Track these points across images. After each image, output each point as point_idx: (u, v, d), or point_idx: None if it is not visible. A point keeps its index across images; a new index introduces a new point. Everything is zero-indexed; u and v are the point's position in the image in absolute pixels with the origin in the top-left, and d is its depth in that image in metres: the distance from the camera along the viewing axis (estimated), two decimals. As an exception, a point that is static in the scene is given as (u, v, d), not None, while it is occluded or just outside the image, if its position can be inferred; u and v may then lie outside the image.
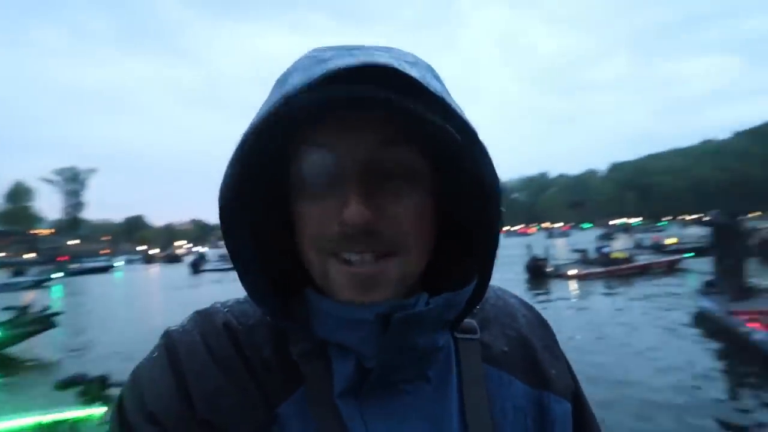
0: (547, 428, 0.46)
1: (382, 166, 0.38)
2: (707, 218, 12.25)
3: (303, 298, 0.43)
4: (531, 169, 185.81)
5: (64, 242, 75.74)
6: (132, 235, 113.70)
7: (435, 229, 0.42)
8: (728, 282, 7.31)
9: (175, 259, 54.12)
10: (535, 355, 0.50)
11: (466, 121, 0.37)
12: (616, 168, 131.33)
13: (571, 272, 14.61)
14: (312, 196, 0.39)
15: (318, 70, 0.34)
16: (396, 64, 0.34)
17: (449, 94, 0.39)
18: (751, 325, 5.72)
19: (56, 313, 9.37)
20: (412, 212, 0.39)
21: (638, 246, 23.11)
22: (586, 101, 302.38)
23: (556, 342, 0.54)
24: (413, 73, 0.35)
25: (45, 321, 9.11)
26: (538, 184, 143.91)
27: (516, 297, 0.57)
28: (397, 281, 0.39)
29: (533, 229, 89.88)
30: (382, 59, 0.34)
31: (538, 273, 15.04)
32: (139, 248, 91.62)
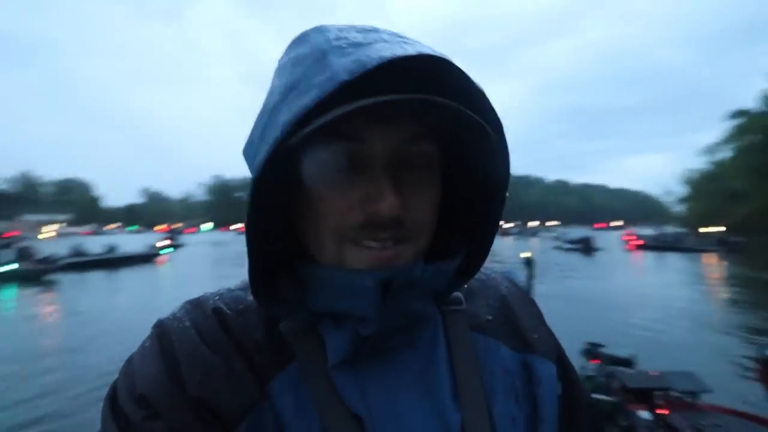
0: (534, 388, 0.48)
1: (409, 159, 0.39)
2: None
3: (292, 275, 0.43)
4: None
5: None
6: None
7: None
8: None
9: None
10: (517, 322, 0.52)
11: (497, 116, 0.39)
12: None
13: None
14: (334, 184, 0.39)
15: (366, 56, 0.34)
16: (444, 56, 0.35)
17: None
18: None
19: None
20: (429, 202, 0.41)
21: None
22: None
23: (537, 310, 0.56)
24: (459, 66, 0.35)
25: None
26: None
27: (498, 272, 0.59)
28: (411, 260, 0.40)
29: None
30: (427, 50, 0.35)
31: None
32: None
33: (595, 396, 3.37)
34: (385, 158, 0.38)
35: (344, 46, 0.36)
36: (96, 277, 17.86)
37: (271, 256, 0.43)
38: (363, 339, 0.40)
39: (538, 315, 0.56)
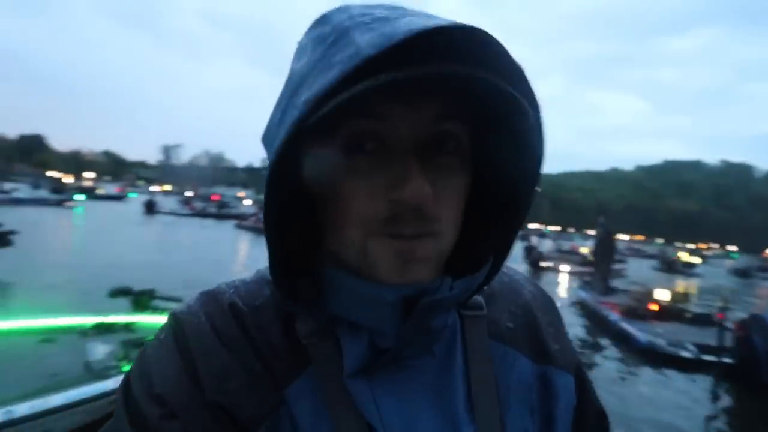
0: (551, 401, 0.47)
1: (436, 141, 0.37)
2: (593, 233, 17.21)
3: (312, 278, 0.42)
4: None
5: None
6: (28, 156, 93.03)
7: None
8: (598, 283, 11.99)
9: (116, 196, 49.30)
10: (539, 330, 0.50)
11: (534, 94, 0.35)
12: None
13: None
14: (359, 171, 0.36)
15: (392, 30, 0.30)
16: (481, 28, 0.31)
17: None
18: (611, 311, 9.38)
19: (10, 232, 8.36)
20: (456, 191, 0.38)
21: (558, 250, 24.34)
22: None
23: (560, 318, 0.54)
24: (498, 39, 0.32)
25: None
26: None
27: (521, 274, 0.57)
28: (434, 260, 0.38)
29: None
30: (460, 22, 0.31)
31: None
32: (47, 174, 68.19)
33: None
34: (411, 139, 0.35)
35: (368, 21, 0.33)
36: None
37: (290, 249, 0.41)
38: (381, 350, 0.39)
39: (561, 323, 0.54)
